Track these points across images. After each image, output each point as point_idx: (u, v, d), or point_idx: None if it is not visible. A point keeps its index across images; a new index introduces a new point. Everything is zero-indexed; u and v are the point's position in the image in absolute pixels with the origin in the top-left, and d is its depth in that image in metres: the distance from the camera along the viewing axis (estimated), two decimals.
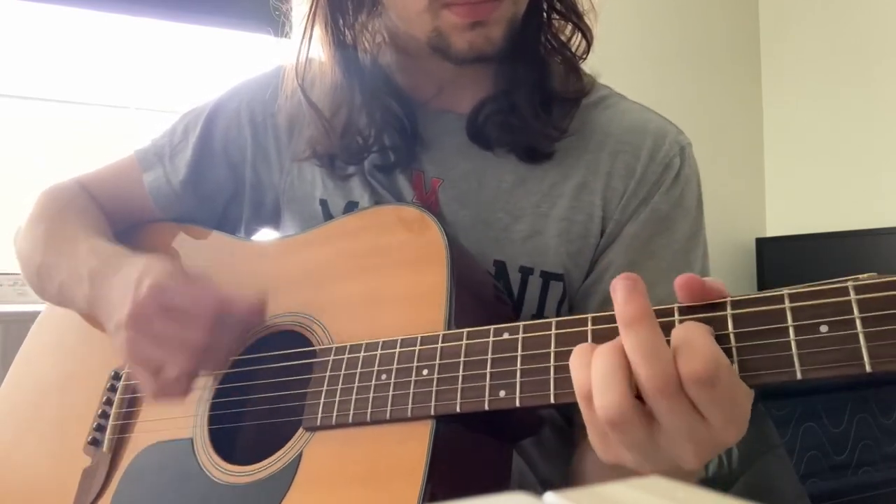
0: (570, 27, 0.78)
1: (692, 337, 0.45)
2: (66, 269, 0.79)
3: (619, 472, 0.59)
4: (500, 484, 0.63)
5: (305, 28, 0.76)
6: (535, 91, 0.75)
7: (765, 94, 2.99)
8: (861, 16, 2.70)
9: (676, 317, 0.48)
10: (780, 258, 2.73)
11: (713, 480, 1.49)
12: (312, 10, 0.75)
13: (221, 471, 0.68)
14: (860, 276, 0.44)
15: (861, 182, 2.68)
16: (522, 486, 0.74)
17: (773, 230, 2.92)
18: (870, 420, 1.98)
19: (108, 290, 0.72)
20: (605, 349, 0.47)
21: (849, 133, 2.72)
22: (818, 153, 2.82)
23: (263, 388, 0.71)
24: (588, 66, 0.80)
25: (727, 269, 2.80)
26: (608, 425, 0.46)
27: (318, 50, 0.77)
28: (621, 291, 0.46)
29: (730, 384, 0.45)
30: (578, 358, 0.48)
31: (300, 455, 0.63)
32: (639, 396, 0.46)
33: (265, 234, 0.90)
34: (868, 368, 0.42)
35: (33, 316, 0.95)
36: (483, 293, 0.70)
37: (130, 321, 0.66)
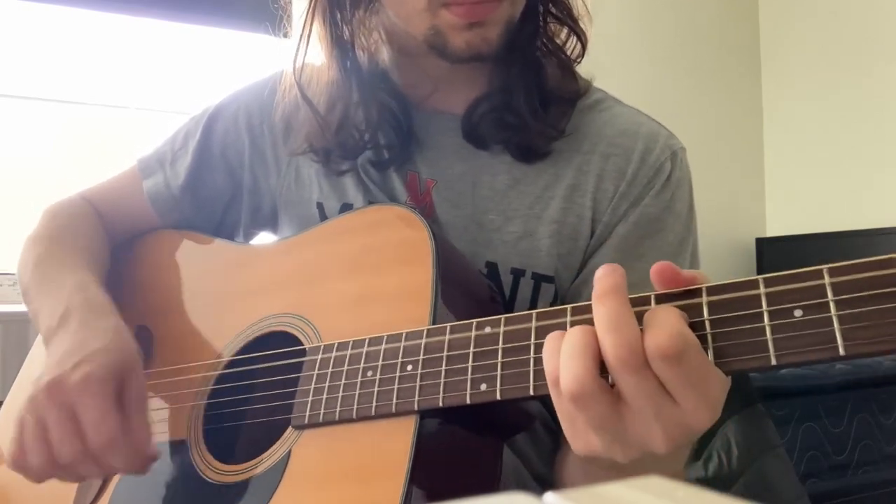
0: (565, 31, 0.79)
1: (661, 315, 0.45)
2: (49, 296, 0.77)
3: (592, 473, 0.59)
4: (489, 479, 0.63)
5: (305, 23, 0.76)
6: (531, 90, 0.76)
7: (765, 94, 2.99)
8: (861, 16, 2.70)
9: (652, 305, 0.48)
10: (780, 258, 2.73)
11: (713, 480, 1.49)
12: (312, 4, 0.76)
13: (213, 470, 0.69)
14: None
15: (861, 182, 2.69)
16: (518, 482, 0.74)
17: (773, 230, 2.93)
18: (870, 420, 1.98)
19: (69, 334, 0.70)
20: (574, 329, 0.47)
21: (849, 133, 2.72)
22: (818, 153, 2.82)
23: (255, 388, 0.71)
24: (584, 68, 0.81)
25: (727, 269, 2.80)
26: (572, 402, 0.46)
27: (317, 47, 0.77)
28: (599, 272, 0.48)
29: (699, 364, 0.45)
30: (550, 345, 0.48)
31: (289, 453, 0.64)
32: (606, 376, 0.46)
33: (264, 238, 0.90)
34: (841, 352, 0.42)
35: None
36: (472, 291, 0.70)
37: (40, 394, 0.64)
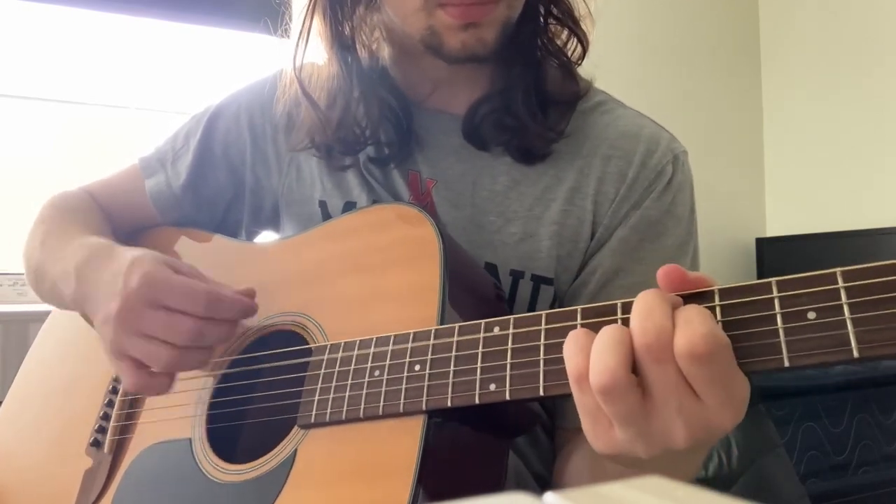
0: (566, 32, 0.79)
1: (692, 314, 0.45)
2: (58, 267, 0.78)
3: (601, 476, 0.59)
4: (495, 479, 0.62)
5: (305, 19, 0.77)
6: (530, 92, 0.76)
7: (765, 94, 2.99)
8: (861, 16, 2.70)
9: None
10: (780, 258, 2.73)
11: (713, 480, 1.49)
12: (312, 1, 0.76)
13: (218, 469, 0.68)
14: None
15: (861, 182, 2.69)
16: (518, 482, 0.74)
17: (773, 230, 2.93)
18: (870, 420, 1.98)
19: (95, 285, 0.71)
20: (609, 326, 0.48)
21: (849, 133, 2.72)
22: (818, 153, 2.82)
23: (260, 387, 0.71)
24: (585, 69, 0.81)
25: (727, 269, 2.80)
26: (601, 395, 0.46)
27: (317, 44, 0.78)
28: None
29: (727, 365, 0.45)
30: (574, 342, 0.48)
31: (295, 452, 0.64)
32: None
33: (265, 237, 0.90)
34: (856, 354, 0.42)
35: (33, 316, 0.95)
36: (478, 290, 0.70)
37: (119, 315, 0.65)
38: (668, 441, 0.46)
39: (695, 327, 0.44)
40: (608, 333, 0.47)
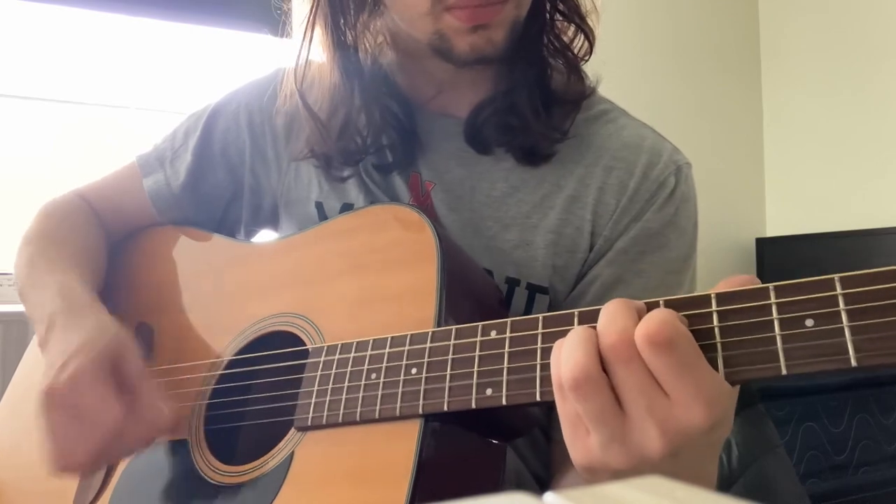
0: (572, 28, 0.78)
1: (654, 311, 0.46)
2: (37, 302, 0.77)
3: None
4: (493, 482, 0.62)
5: (306, 30, 0.76)
6: (534, 91, 0.75)
7: (765, 94, 2.99)
8: (862, 16, 2.70)
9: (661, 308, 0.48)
10: (780, 258, 2.73)
11: None
12: (313, 10, 0.75)
13: (215, 471, 0.68)
14: None
15: (861, 182, 2.68)
16: (518, 482, 0.74)
17: (773, 230, 2.92)
18: (870, 420, 1.98)
19: (55, 342, 0.70)
20: (578, 327, 0.49)
21: (849, 133, 2.72)
22: (818, 153, 2.82)
23: (257, 388, 0.71)
24: (591, 70, 0.80)
25: (727, 269, 2.79)
26: (574, 391, 0.46)
27: (318, 52, 0.77)
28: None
29: (688, 354, 0.45)
30: (557, 351, 0.49)
31: (292, 455, 0.63)
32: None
33: (265, 236, 0.90)
34: (853, 363, 0.41)
35: None
36: (476, 291, 0.70)
37: (41, 406, 0.64)
38: (644, 447, 0.45)
39: (652, 318, 0.45)
40: (575, 333, 0.48)
